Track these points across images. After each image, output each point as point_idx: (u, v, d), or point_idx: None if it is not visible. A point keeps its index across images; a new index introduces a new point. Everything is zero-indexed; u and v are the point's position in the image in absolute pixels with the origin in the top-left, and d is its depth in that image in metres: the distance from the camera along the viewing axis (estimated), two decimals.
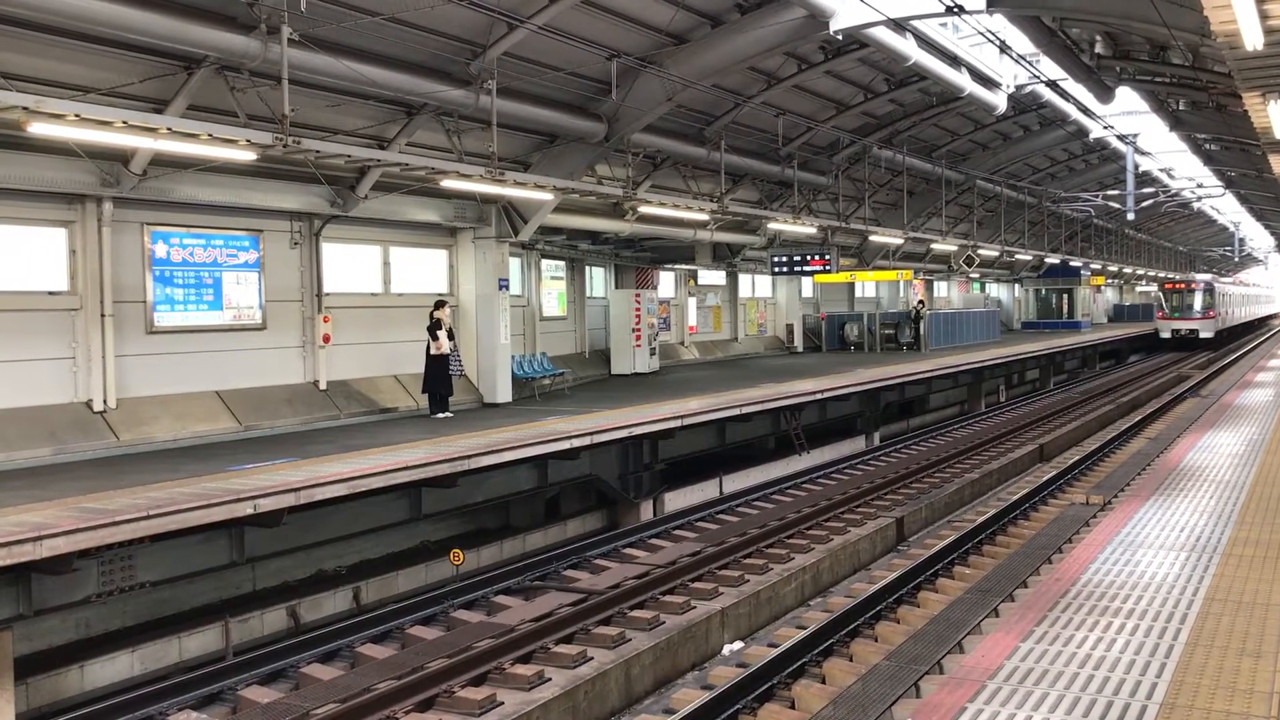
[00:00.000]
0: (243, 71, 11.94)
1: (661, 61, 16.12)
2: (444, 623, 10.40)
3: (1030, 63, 19.76)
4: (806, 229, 23.10)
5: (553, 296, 21.90)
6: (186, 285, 13.79)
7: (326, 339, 15.36)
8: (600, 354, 23.02)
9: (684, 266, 25.64)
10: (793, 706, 8.22)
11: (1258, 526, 8.98)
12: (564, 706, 8.07)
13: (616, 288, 23.38)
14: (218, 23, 11.22)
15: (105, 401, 12.53)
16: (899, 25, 16.29)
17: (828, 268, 25.99)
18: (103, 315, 12.51)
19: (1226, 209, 51.38)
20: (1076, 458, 17.88)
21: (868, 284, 36.25)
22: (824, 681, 8.62)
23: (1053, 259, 43.11)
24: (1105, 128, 28.44)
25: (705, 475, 17.27)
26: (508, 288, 17.98)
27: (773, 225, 23.03)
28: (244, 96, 12.19)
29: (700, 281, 27.76)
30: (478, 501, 13.24)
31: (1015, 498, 14.55)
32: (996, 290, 51.23)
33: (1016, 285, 51.00)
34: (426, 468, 11.05)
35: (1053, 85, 22.29)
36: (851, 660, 9.08)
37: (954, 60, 19.53)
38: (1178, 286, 48.46)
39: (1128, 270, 54.79)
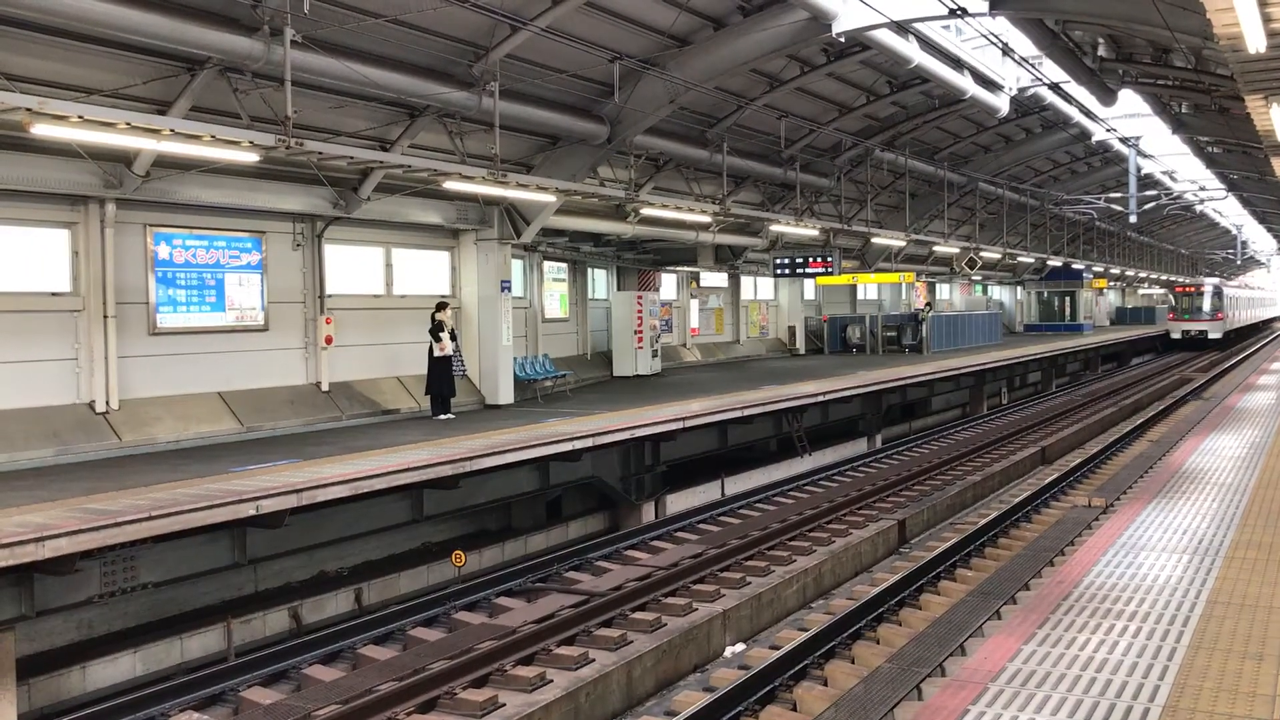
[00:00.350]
0: (245, 73, 11.96)
1: (664, 64, 16.13)
2: (446, 624, 10.39)
3: (1033, 65, 19.75)
4: (809, 231, 23.10)
5: (555, 298, 21.91)
6: (189, 286, 13.80)
7: (329, 340, 15.37)
8: (602, 356, 23.03)
9: (686, 268, 25.65)
10: (794, 709, 8.21)
11: (1260, 529, 8.98)
12: (566, 708, 8.07)
13: (619, 290, 23.40)
14: (221, 24, 11.24)
15: (108, 402, 12.54)
16: (901, 28, 16.29)
17: (830, 270, 25.98)
18: (105, 316, 12.52)
19: (1229, 212, 51.44)
20: (1078, 460, 17.86)
21: (870, 286, 36.23)
22: (826, 684, 8.61)
23: (1055, 262, 43.10)
24: (1108, 130, 28.42)
25: (707, 477, 17.26)
26: (510, 289, 17.99)
27: (775, 227, 23.03)
28: (247, 98, 12.21)
29: (702, 283, 27.77)
30: (480, 503, 13.24)
31: (1017, 500, 14.54)
32: (998, 293, 51.20)
33: (1019, 288, 50.98)
34: (429, 469, 11.05)
35: (1055, 88, 22.29)
36: (853, 662, 9.07)
37: (956, 63, 19.54)
38: (1188, 290, 51.08)
39: (1130, 273, 54.89)
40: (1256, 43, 7.56)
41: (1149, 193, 36.10)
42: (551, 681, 8.56)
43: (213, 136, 10.28)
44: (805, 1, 14.59)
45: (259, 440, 13.51)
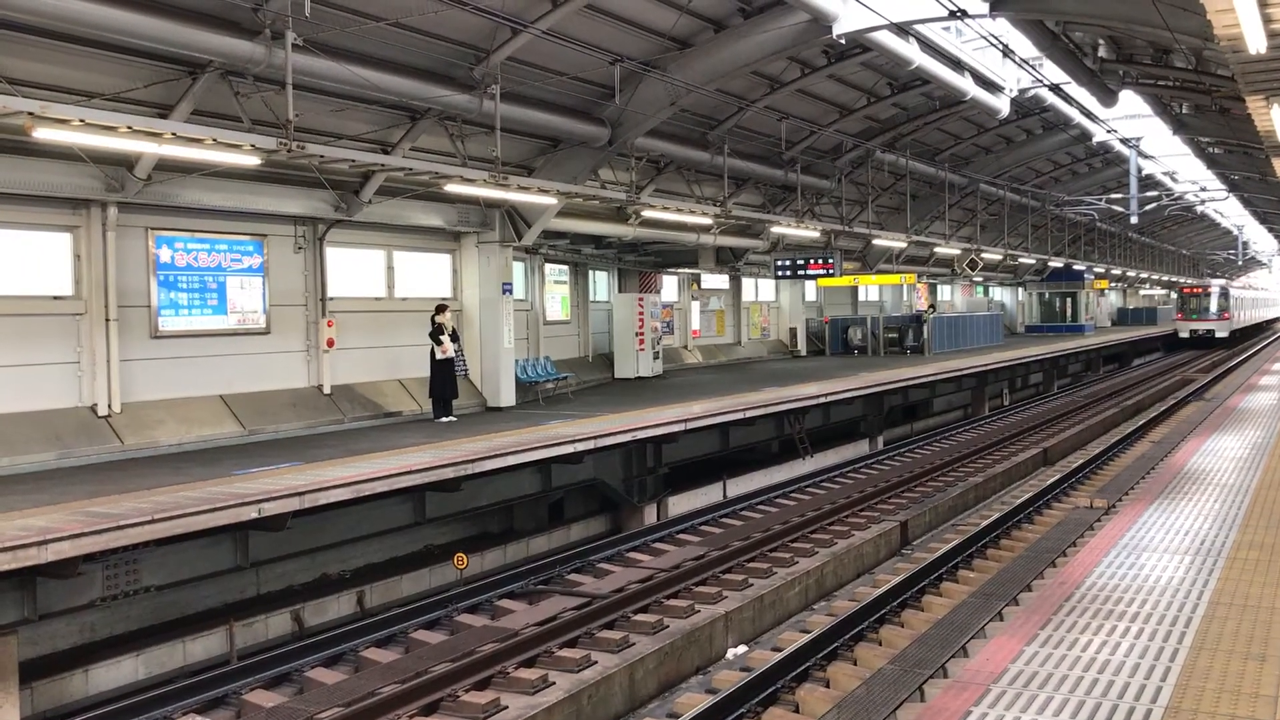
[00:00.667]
0: (247, 76, 11.97)
1: (665, 66, 16.14)
2: (448, 626, 10.40)
3: (1033, 66, 19.76)
4: (810, 233, 23.11)
5: (556, 300, 21.92)
6: (191, 290, 13.82)
7: (330, 343, 15.37)
8: (604, 358, 23.04)
9: (687, 270, 25.65)
10: (797, 710, 8.21)
11: (1262, 530, 8.97)
12: (568, 710, 8.07)
13: (620, 292, 23.40)
14: (222, 28, 11.25)
15: (110, 406, 12.55)
16: (902, 29, 16.30)
17: (831, 271, 25.99)
18: (107, 320, 12.52)
19: (1230, 212, 51.51)
20: (1080, 461, 17.86)
21: (871, 288, 36.21)
22: (828, 685, 8.62)
23: (1056, 263, 43.08)
24: (1108, 131, 28.42)
25: (709, 479, 17.27)
26: (511, 292, 18.00)
27: (776, 229, 23.04)
28: (248, 101, 12.22)
29: (703, 285, 27.78)
30: (481, 505, 13.25)
31: (1019, 501, 14.54)
32: (1000, 294, 51.20)
33: (1020, 289, 50.97)
34: (430, 472, 11.06)
35: (1056, 89, 22.29)
36: (856, 664, 9.07)
37: (957, 64, 19.55)
38: (1195, 291, 53.90)
39: (1131, 274, 54.98)
40: (1257, 43, 7.56)
41: (1150, 193, 36.09)
42: (554, 684, 8.57)
43: (214, 140, 10.30)
44: (806, 3, 14.60)
45: (261, 443, 13.52)
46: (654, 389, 20.28)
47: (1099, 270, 48.30)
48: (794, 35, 16.12)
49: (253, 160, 11.14)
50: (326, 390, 15.37)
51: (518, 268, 19.56)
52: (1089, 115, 26.54)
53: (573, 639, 9.62)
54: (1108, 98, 20.41)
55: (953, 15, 14.07)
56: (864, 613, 9.96)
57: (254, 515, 9.19)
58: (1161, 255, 64.85)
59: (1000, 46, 17.59)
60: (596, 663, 9.02)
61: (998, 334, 38.83)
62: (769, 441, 19.28)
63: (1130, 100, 22.49)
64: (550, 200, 15.96)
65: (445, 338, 15.42)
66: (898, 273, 32.10)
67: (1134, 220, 34.18)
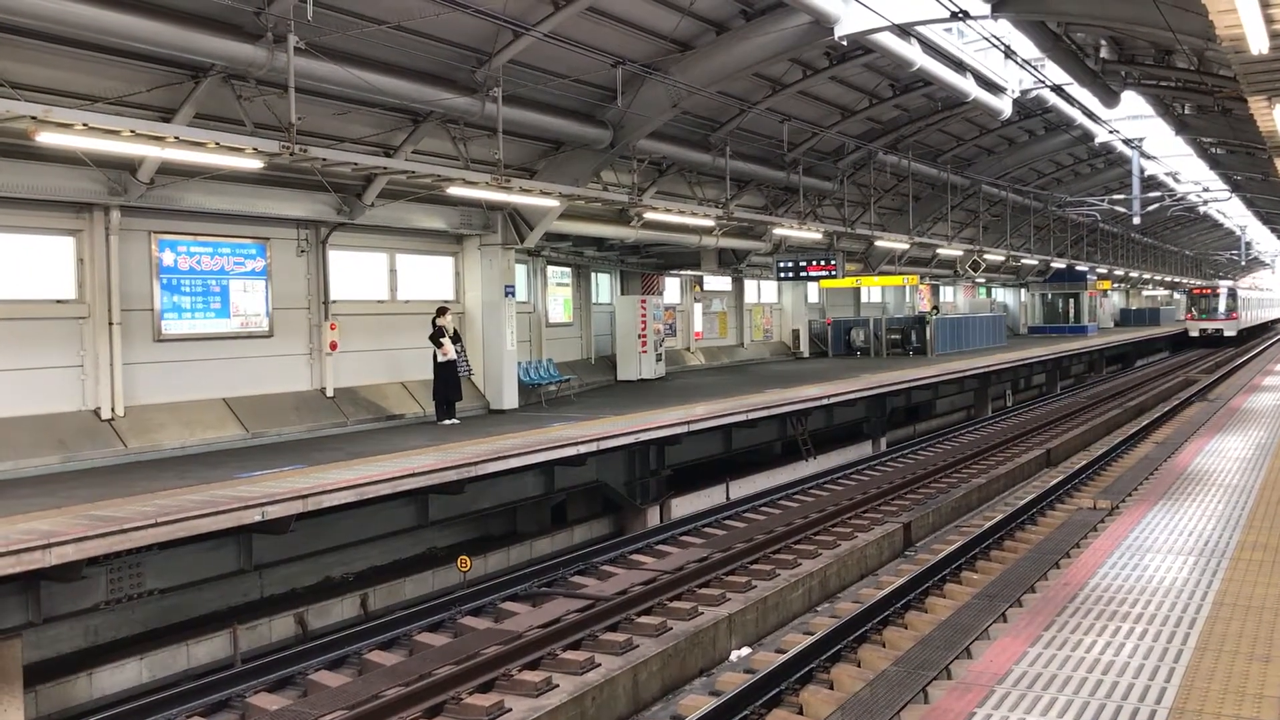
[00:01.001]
0: (249, 80, 11.99)
1: (666, 68, 16.15)
2: (451, 629, 10.40)
3: (1035, 67, 19.75)
4: (812, 234, 23.10)
5: (559, 303, 21.92)
6: (194, 293, 13.84)
7: (333, 346, 15.39)
8: (606, 360, 23.04)
9: (689, 272, 25.65)
10: (801, 712, 8.20)
11: (1266, 530, 8.96)
12: (572, 713, 8.07)
13: (622, 294, 23.41)
14: (224, 32, 11.27)
15: (113, 409, 12.57)
16: (904, 31, 16.31)
17: (833, 273, 25.99)
18: (110, 323, 12.54)
19: (1233, 213, 51.50)
20: (1084, 462, 17.83)
21: (873, 289, 36.21)
22: (832, 687, 8.60)
23: (1059, 263, 43.03)
24: (1111, 132, 28.41)
25: (712, 481, 17.27)
26: (514, 294, 18.02)
27: (778, 231, 23.03)
28: (251, 105, 12.23)
29: (706, 287, 27.77)
30: (485, 508, 13.26)
31: (1023, 502, 14.52)
32: (1002, 295, 51.17)
33: (1022, 290, 50.94)
34: (434, 474, 11.06)
35: (1058, 90, 22.29)
36: (859, 666, 9.06)
37: (959, 65, 19.55)
38: (1205, 291, 56.42)
39: (1134, 274, 54.98)
40: (1259, 44, 7.55)
41: (1152, 194, 36.07)
42: (557, 686, 8.57)
43: (217, 144, 10.32)
44: (807, 5, 14.60)
45: (264, 446, 13.53)
46: (657, 391, 20.28)
47: (1102, 271, 48.28)
48: (795, 37, 16.13)
49: (255, 164, 11.16)
50: (329, 393, 15.39)
51: (520, 270, 19.57)
52: (1091, 116, 26.53)
53: (576, 641, 9.63)
54: (1110, 98, 20.41)
55: (954, 16, 14.06)
56: (867, 614, 9.96)
57: (257, 518, 9.20)
58: (1164, 256, 64.81)
59: (1002, 48, 17.58)
60: (600, 665, 9.02)
61: (1000, 335, 38.80)
62: (772, 443, 19.28)
63: (1132, 101, 22.48)
64: (552, 202, 15.97)
65: (446, 340, 15.43)
66: (900, 274, 32.07)
67: (1136, 221, 34.18)
